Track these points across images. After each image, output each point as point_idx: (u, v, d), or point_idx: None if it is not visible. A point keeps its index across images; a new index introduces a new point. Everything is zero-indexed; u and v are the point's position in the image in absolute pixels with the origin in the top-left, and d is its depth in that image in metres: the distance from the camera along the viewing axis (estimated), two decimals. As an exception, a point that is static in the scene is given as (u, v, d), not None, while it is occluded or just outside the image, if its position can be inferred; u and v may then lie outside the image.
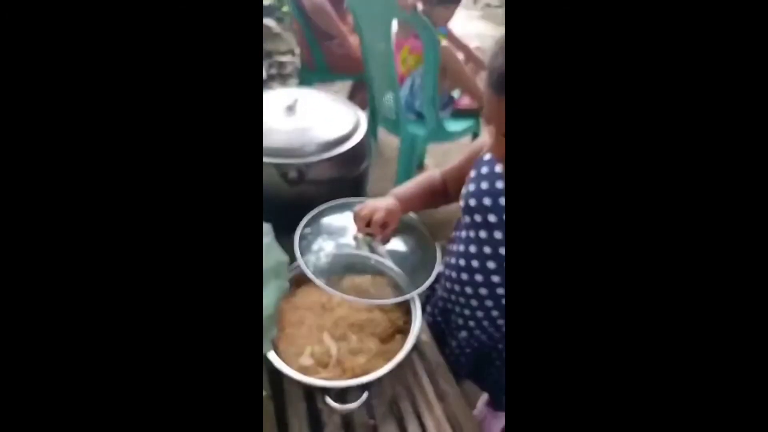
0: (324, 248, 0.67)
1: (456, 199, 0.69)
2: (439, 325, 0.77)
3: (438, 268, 0.65)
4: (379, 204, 0.64)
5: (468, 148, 0.67)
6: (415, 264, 0.67)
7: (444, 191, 0.70)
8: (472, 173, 0.60)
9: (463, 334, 0.70)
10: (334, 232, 0.70)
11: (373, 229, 0.63)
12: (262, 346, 0.50)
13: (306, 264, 0.62)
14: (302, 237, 0.66)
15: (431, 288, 0.82)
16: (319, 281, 0.59)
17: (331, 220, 0.71)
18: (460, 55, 1.51)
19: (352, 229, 0.67)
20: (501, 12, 4.38)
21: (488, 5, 4.57)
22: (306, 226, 0.68)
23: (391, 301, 0.62)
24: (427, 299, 0.83)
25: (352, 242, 0.67)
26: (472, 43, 1.69)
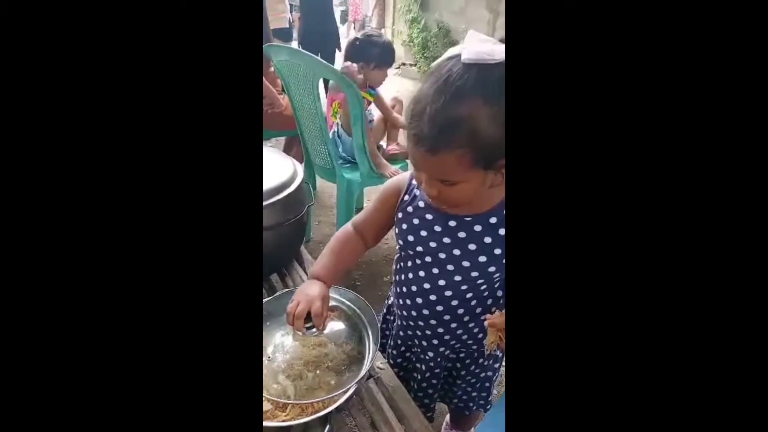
0: (284, 344, 0.66)
1: (374, 244, 0.74)
2: (403, 355, 0.80)
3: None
4: (311, 293, 0.64)
5: (376, 198, 0.73)
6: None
7: (361, 241, 0.72)
8: (399, 215, 0.67)
9: (430, 354, 0.74)
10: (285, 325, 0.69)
11: (315, 322, 0.63)
12: (261, 351, 0.48)
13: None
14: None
15: (384, 325, 0.86)
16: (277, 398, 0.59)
17: (279, 314, 0.70)
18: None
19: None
20: (415, 69, 4.90)
21: (404, 64, 5.10)
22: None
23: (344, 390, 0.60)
24: (382, 335, 0.86)
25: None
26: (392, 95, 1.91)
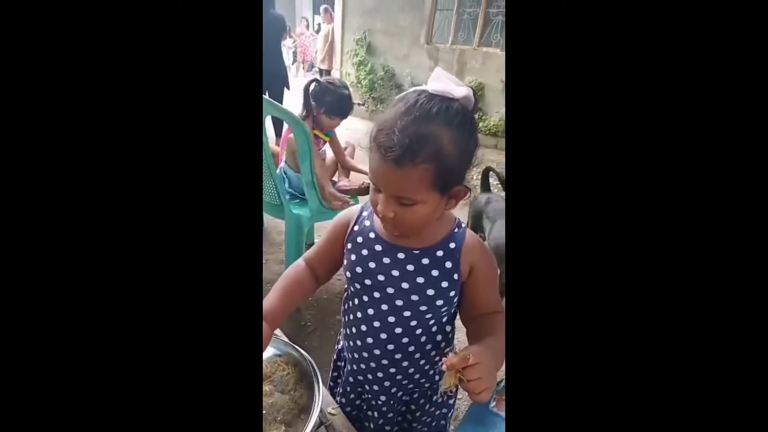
0: None
1: (326, 279, 0.72)
2: (353, 403, 0.75)
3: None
4: None
5: (326, 231, 0.72)
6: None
7: (312, 277, 0.70)
8: (348, 245, 0.66)
9: (383, 398, 0.71)
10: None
11: None
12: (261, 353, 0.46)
13: None
14: None
15: (335, 373, 0.82)
16: None
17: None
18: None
19: None
20: (363, 108, 5.09)
21: (358, 104, 5.30)
22: None
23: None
24: (334, 384, 0.82)
25: None
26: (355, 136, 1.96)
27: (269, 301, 0.66)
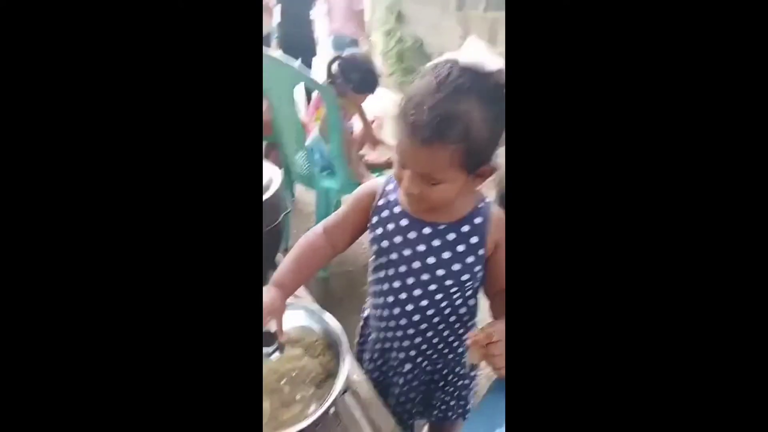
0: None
1: (343, 249, 0.70)
2: (380, 369, 0.78)
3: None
4: (265, 302, 0.59)
5: (348, 201, 0.71)
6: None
7: (328, 246, 0.69)
8: (374, 219, 0.66)
9: (408, 366, 0.73)
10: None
11: (264, 338, 0.59)
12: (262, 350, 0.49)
13: None
14: None
15: (361, 339, 0.84)
16: None
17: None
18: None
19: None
20: (392, 79, 4.96)
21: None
22: None
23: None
24: (360, 350, 0.84)
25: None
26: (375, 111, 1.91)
27: (282, 268, 0.66)
